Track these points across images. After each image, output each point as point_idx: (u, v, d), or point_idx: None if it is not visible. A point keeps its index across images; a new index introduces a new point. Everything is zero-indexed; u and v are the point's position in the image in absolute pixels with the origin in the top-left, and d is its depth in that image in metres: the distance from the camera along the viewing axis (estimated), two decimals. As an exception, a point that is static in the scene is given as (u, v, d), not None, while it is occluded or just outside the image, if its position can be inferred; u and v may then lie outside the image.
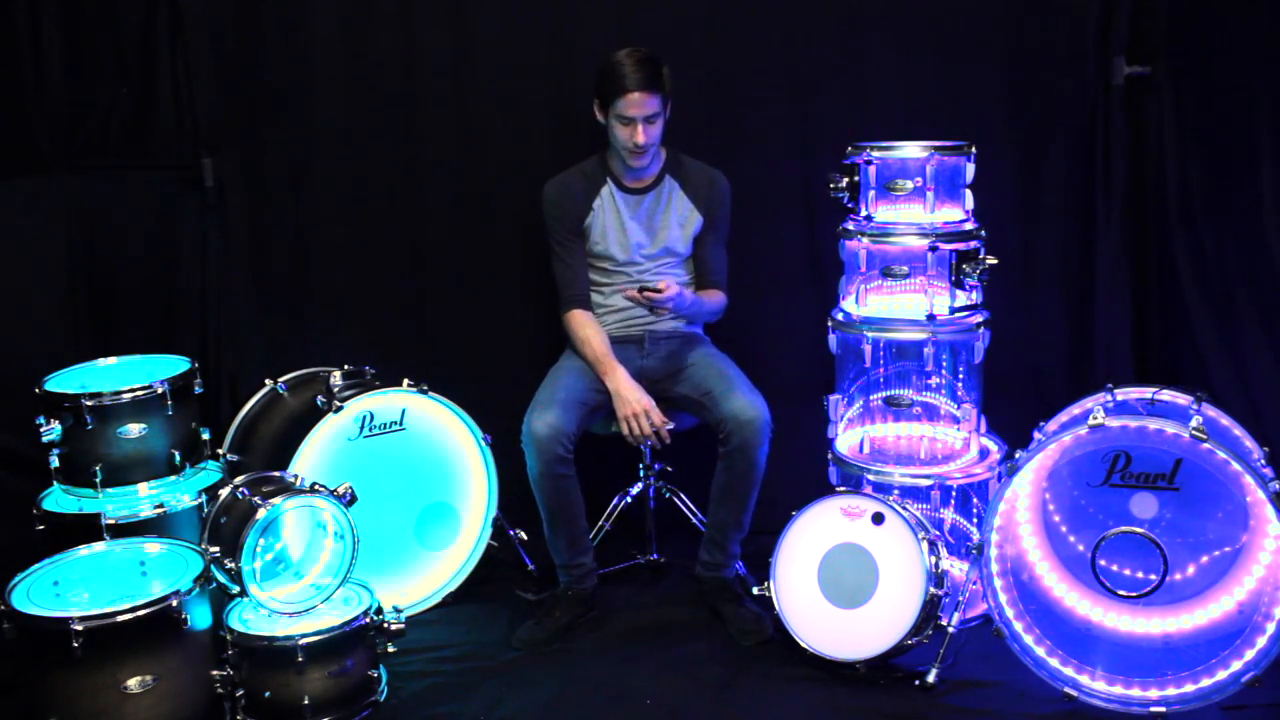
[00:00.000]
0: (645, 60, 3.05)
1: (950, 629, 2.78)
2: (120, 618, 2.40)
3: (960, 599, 2.81)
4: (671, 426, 3.11)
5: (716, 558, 3.16)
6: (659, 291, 3.05)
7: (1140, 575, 2.59)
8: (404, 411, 3.14)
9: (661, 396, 3.18)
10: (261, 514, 2.60)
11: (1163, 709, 2.54)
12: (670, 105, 3.15)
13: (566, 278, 3.26)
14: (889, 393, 3.11)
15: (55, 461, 2.83)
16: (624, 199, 3.23)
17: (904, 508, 2.84)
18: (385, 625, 2.72)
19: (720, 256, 3.34)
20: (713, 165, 3.33)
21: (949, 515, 3.11)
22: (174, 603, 2.46)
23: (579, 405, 3.08)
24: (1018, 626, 2.69)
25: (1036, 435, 2.80)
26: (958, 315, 2.97)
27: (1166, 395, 2.76)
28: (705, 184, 3.29)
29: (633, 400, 3.09)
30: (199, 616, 2.54)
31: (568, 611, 3.09)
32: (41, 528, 2.88)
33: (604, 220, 3.22)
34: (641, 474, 3.45)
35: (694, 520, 3.42)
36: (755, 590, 2.98)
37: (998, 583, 2.70)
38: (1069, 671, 2.64)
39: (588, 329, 3.21)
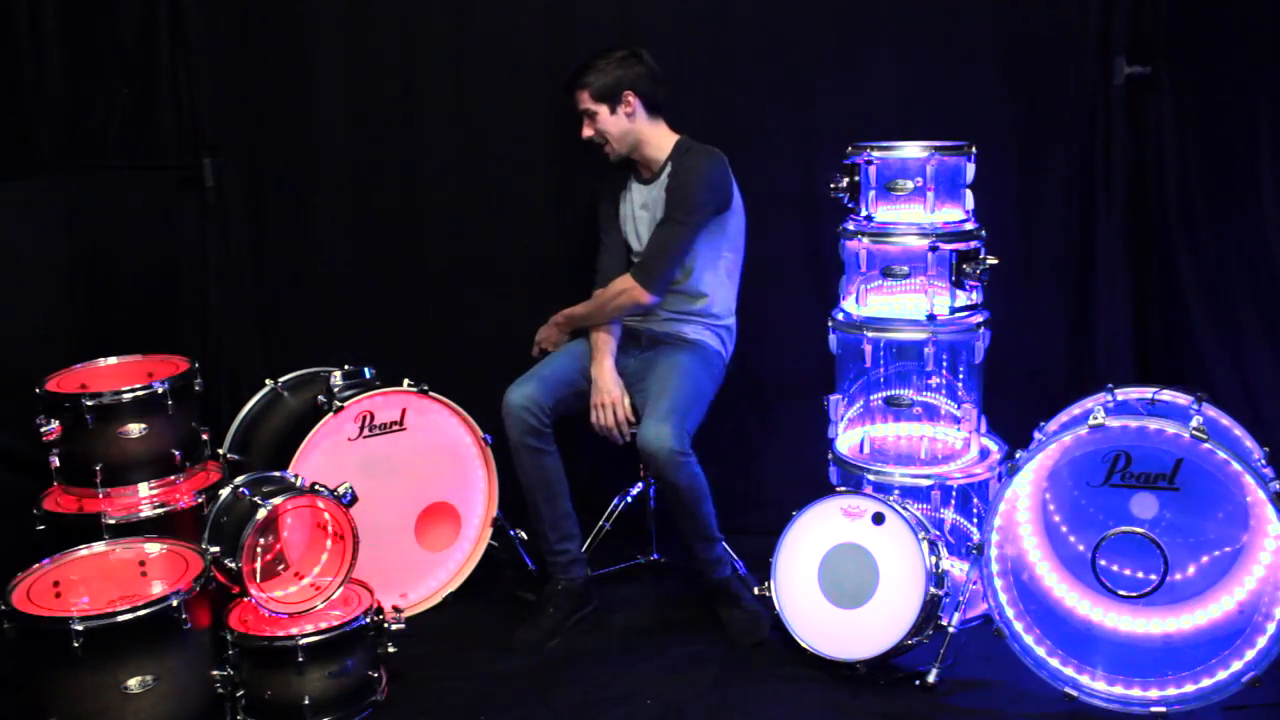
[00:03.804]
0: (583, 63, 3.14)
1: (950, 629, 2.78)
2: (120, 618, 2.40)
3: (960, 599, 2.81)
4: (633, 424, 3.07)
5: (698, 564, 3.10)
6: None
7: (1140, 575, 2.58)
8: (404, 411, 3.14)
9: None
10: (261, 514, 2.60)
11: (1163, 709, 2.54)
12: (617, 105, 3.12)
13: (606, 262, 3.28)
14: (889, 393, 3.11)
15: (55, 461, 2.83)
16: (638, 189, 3.26)
17: (904, 508, 2.84)
18: (385, 625, 2.72)
19: None
20: None
21: (949, 515, 3.11)
22: (174, 603, 2.46)
23: (560, 383, 3.11)
24: (1018, 626, 2.68)
25: (1037, 435, 2.79)
26: (958, 315, 2.97)
27: (1166, 395, 2.76)
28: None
29: (606, 390, 3.11)
30: (199, 616, 2.54)
31: (560, 607, 3.08)
32: (41, 528, 2.87)
33: (627, 210, 3.27)
34: (642, 474, 3.45)
35: (694, 520, 3.41)
36: (755, 590, 2.98)
37: (998, 583, 2.70)
38: (1069, 672, 2.64)
39: (620, 298, 3.16)
